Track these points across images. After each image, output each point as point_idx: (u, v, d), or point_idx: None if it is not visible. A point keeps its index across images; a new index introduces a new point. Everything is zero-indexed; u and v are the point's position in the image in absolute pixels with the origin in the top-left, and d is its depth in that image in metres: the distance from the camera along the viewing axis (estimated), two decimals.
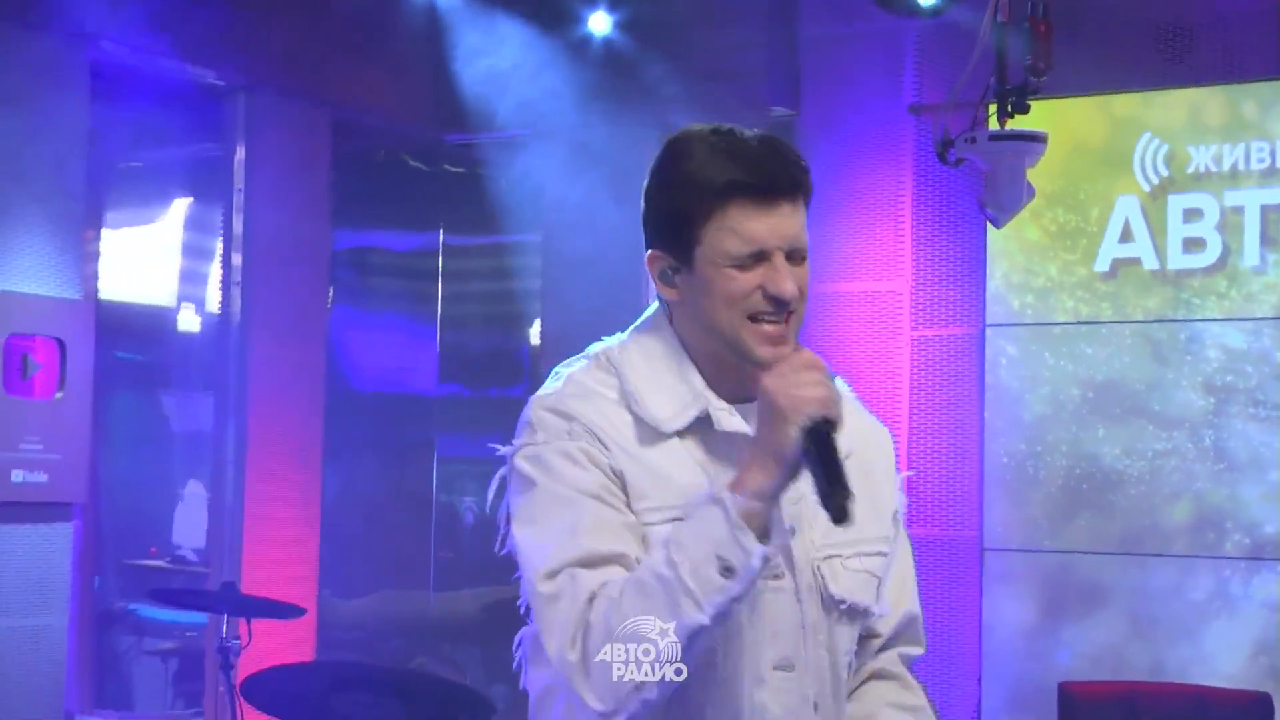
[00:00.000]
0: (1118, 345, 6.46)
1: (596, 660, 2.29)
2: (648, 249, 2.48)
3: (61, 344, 6.09)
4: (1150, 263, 6.42)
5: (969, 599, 6.47)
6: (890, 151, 6.77)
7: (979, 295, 6.64)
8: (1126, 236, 6.45)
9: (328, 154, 7.31)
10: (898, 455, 2.70)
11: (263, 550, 6.81)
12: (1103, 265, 6.49)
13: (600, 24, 7.00)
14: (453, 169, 8.17)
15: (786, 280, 2.40)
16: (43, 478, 5.97)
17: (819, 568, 2.48)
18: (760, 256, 2.40)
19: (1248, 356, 6.25)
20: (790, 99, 7.07)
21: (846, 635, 2.53)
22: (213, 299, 7.20)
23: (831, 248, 6.74)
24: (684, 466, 2.43)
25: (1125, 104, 6.51)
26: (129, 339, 8.16)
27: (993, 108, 5.82)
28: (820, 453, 2.27)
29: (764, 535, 2.28)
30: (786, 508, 2.40)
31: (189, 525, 8.00)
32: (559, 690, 2.45)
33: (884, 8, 5.96)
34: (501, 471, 2.49)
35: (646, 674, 2.27)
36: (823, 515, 2.33)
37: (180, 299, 8.41)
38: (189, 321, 8.25)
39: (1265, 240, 6.25)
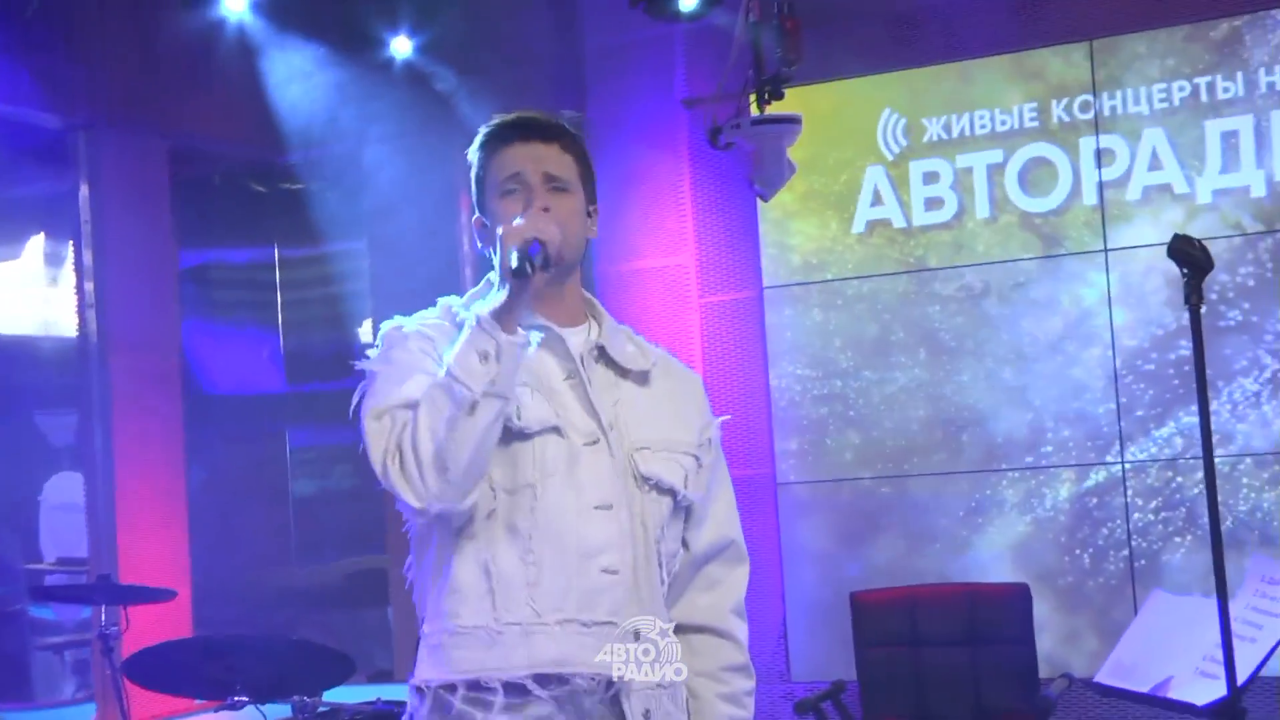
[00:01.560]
0: (875, 294, 6.63)
1: (409, 465, 2.47)
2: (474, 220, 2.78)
3: None
4: (899, 221, 6.61)
5: (769, 529, 6.62)
6: (669, 142, 6.86)
7: (755, 262, 6.78)
8: (877, 200, 6.63)
9: (167, 181, 7.20)
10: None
11: (137, 545, 6.74)
12: (859, 227, 6.66)
13: (403, 47, 7.00)
14: (283, 187, 8.12)
15: (543, 198, 2.63)
16: None
17: (632, 456, 2.67)
18: (520, 180, 2.65)
19: (985, 293, 6.47)
20: (578, 102, 7.13)
21: (657, 509, 2.70)
22: (72, 324, 7.08)
23: (623, 230, 6.84)
24: None
25: (866, 85, 6.67)
26: (4, 360, 8.05)
27: (754, 97, 5.94)
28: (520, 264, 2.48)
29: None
30: (606, 407, 2.67)
31: (69, 529, 7.90)
32: (440, 563, 2.63)
33: (651, 15, 6.03)
34: (361, 386, 2.65)
35: (439, 435, 2.45)
36: (639, 414, 2.70)
37: (43, 325, 8.29)
38: (52, 345, 8.12)
39: (992, 195, 6.46)
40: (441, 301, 2.75)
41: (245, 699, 4.61)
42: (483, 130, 2.73)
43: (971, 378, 6.46)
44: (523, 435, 2.58)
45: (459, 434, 2.46)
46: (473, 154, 2.73)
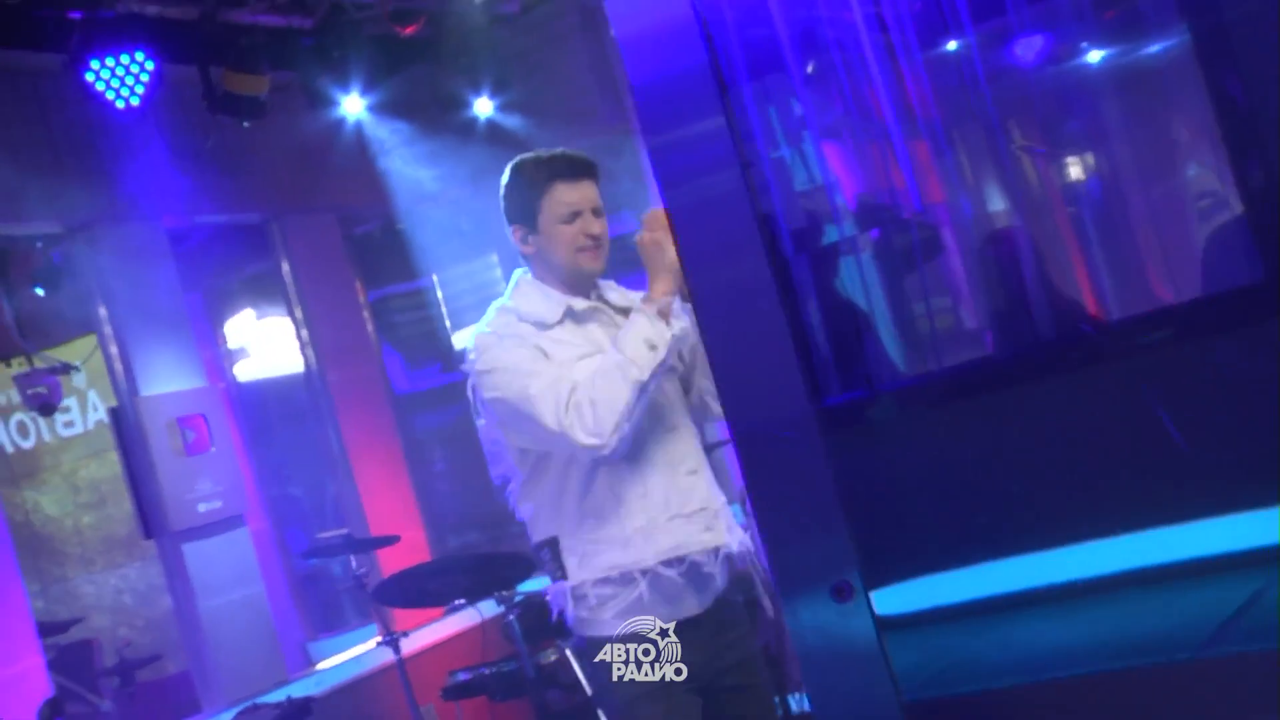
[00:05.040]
0: None
1: (586, 413, 2.55)
2: (509, 226, 2.79)
3: (205, 417, 6.14)
4: None
5: None
6: None
7: None
8: None
9: (340, 240, 7.32)
10: None
11: (376, 504, 6.89)
12: None
13: (484, 107, 6.93)
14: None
15: (595, 226, 2.74)
16: (218, 504, 6.02)
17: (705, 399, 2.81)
18: (576, 214, 2.72)
19: None
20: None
21: (697, 409, 2.88)
22: (300, 361, 7.21)
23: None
24: (567, 343, 2.72)
25: None
26: (260, 398, 8.20)
27: None
28: None
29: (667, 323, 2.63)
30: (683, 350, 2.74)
31: (336, 509, 8.05)
32: (565, 490, 2.71)
33: None
34: (470, 382, 2.75)
35: (619, 404, 2.54)
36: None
37: (281, 365, 8.43)
38: (292, 381, 8.26)
39: None
40: (499, 306, 2.79)
41: (462, 602, 4.70)
42: (536, 162, 2.74)
43: None
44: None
45: (632, 404, 2.55)
46: (525, 180, 2.74)
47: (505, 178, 2.80)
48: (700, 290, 1.68)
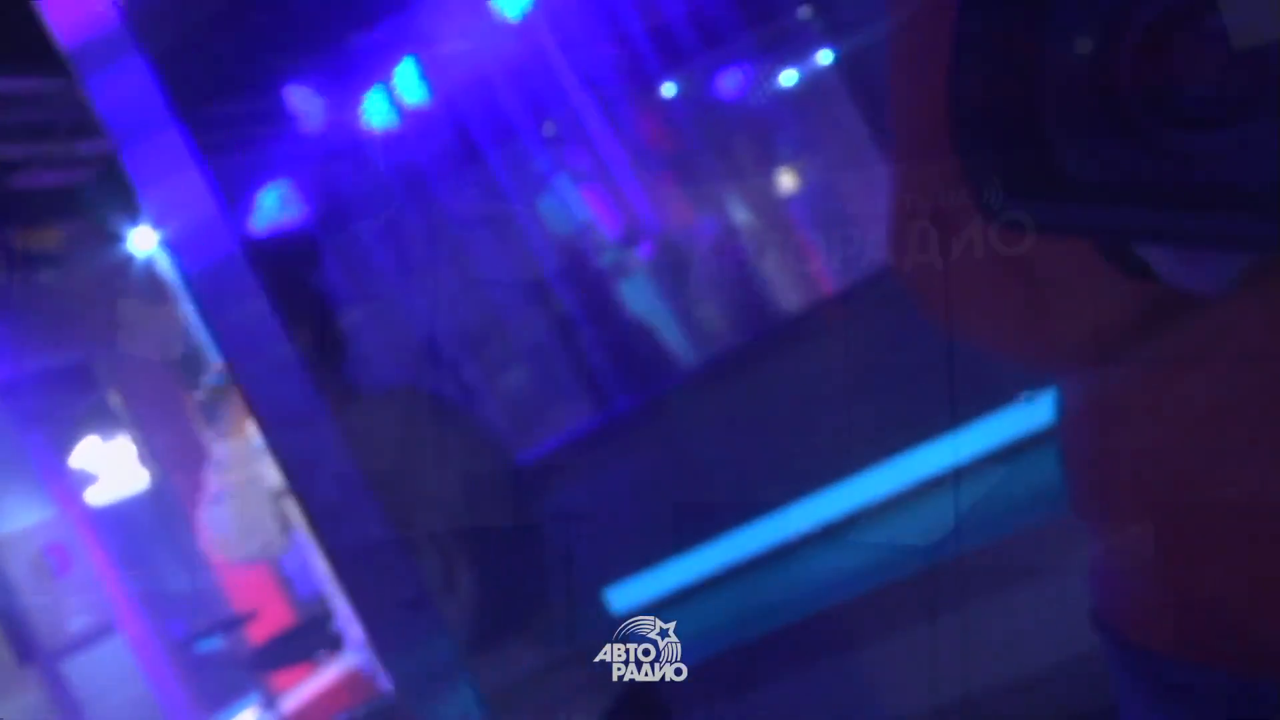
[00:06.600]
0: None
1: None
2: None
3: (62, 542, 5.68)
4: None
5: None
6: None
7: None
8: None
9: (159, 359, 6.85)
10: None
11: (239, 584, 6.48)
12: None
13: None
14: None
15: None
16: (87, 617, 5.61)
17: None
18: None
19: None
20: None
21: None
22: (143, 476, 6.72)
23: None
24: None
25: None
26: (116, 513, 7.60)
27: None
28: None
29: None
30: None
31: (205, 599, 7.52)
32: None
33: None
34: None
35: None
36: None
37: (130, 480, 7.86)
38: (143, 493, 7.70)
39: None
40: None
41: (322, 652, 4.44)
42: None
43: None
44: None
45: None
46: None
47: None
48: (279, 450, 1.67)
